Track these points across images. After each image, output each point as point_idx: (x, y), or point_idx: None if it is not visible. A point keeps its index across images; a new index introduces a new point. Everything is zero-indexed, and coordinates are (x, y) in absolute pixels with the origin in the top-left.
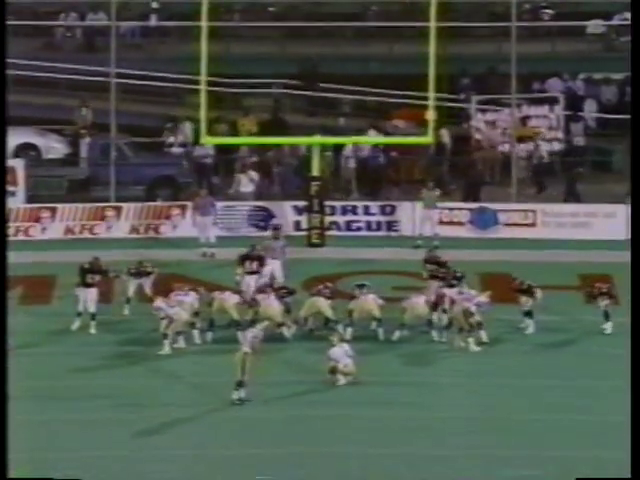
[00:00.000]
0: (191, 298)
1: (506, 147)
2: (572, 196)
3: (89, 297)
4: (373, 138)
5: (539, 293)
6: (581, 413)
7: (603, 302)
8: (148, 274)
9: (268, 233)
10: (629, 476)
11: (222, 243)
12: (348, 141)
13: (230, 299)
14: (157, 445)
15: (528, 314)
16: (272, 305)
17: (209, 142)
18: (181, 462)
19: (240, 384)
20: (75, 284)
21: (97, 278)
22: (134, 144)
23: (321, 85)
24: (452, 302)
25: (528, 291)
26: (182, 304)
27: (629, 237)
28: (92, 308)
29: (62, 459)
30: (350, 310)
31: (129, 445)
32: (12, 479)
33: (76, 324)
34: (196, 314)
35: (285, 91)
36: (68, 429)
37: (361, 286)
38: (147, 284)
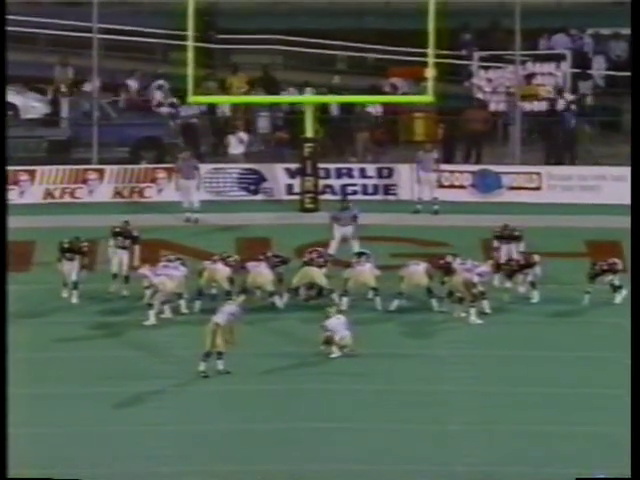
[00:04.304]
0: (180, 272)
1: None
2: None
3: (70, 267)
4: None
5: (538, 268)
6: (581, 386)
7: (607, 278)
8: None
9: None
10: (627, 450)
11: (208, 208)
12: (343, 100)
13: (221, 269)
14: (141, 420)
15: (532, 284)
16: (262, 273)
17: (196, 101)
18: (166, 437)
19: (208, 355)
20: (56, 259)
21: (77, 257)
22: (117, 103)
23: (315, 41)
24: (452, 272)
25: (527, 266)
26: (171, 278)
27: None
28: (74, 277)
29: (44, 434)
30: (345, 279)
31: (111, 419)
32: (12, 479)
33: (64, 294)
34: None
35: (277, 47)
36: (49, 403)
37: (360, 254)
38: (135, 255)
